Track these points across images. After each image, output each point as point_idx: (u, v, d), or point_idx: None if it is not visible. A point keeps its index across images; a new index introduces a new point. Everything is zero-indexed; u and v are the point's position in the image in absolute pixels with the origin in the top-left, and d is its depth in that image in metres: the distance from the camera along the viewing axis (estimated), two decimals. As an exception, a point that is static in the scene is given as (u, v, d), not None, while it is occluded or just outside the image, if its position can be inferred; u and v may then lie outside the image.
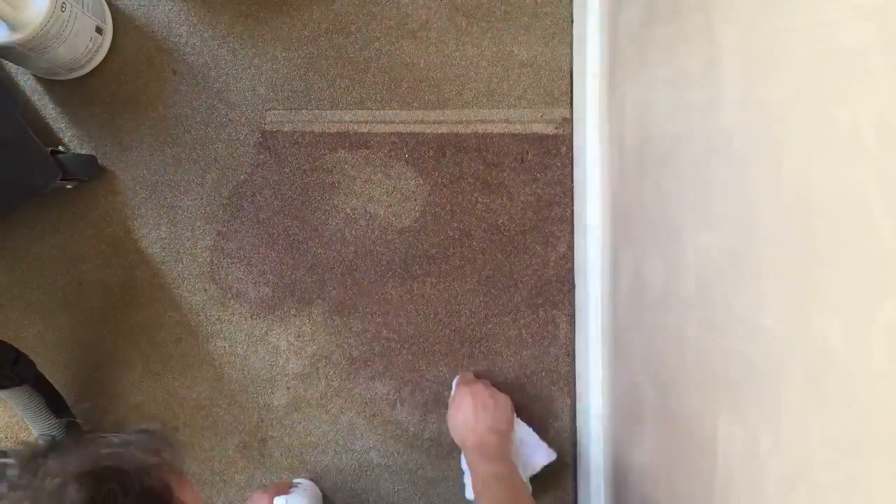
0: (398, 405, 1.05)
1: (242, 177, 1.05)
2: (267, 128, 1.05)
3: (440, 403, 1.04)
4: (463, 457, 0.95)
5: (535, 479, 0.96)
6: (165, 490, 0.46)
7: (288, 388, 1.04)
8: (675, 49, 0.67)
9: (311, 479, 1.03)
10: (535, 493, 0.96)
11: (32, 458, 0.44)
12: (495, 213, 1.04)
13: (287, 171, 1.04)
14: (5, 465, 0.43)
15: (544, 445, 0.97)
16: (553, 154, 1.05)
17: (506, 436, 0.91)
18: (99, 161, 1.03)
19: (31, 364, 0.92)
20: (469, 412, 0.90)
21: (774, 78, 0.47)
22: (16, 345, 0.92)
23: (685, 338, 0.65)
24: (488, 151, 1.04)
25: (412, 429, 1.05)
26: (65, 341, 1.05)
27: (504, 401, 0.94)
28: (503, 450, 0.88)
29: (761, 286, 0.49)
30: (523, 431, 0.97)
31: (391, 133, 1.04)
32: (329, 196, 1.04)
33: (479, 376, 1.01)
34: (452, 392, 0.99)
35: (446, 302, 1.04)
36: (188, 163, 1.04)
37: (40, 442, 0.46)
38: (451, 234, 1.04)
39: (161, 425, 0.48)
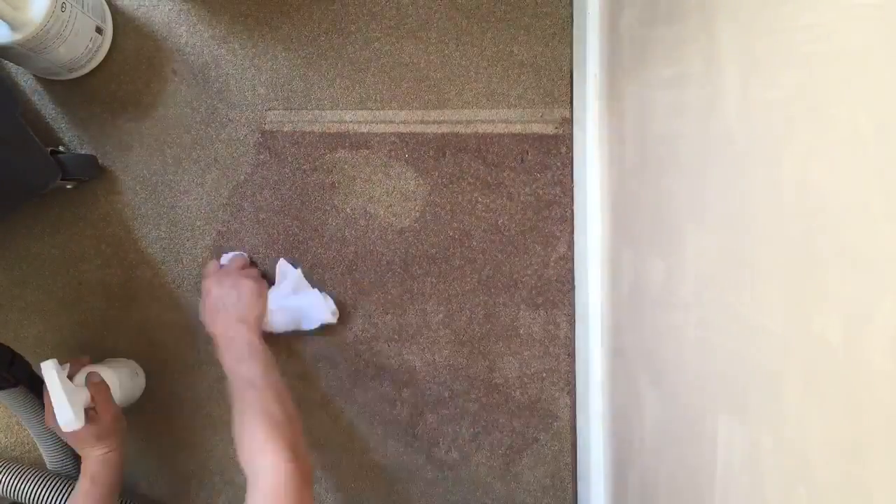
0: (398, 405, 1.05)
1: (242, 177, 1.05)
2: (267, 128, 1.05)
3: (440, 404, 1.04)
4: None
5: (534, 478, 0.96)
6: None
7: (288, 387, 1.04)
8: (675, 49, 0.67)
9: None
10: (534, 491, 0.96)
11: None
12: (495, 213, 1.04)
13: (287, 171, 1.04)
14: None
15: (330, 304, 1.00)
16: (553, 154, 1.05)
17: (255, 325, 0.91)
18: (99, 161, 1.03)
19: (27, 365, 0.93)
20: (213, 307, 0.90)
21: (774, 78, 0.47)
22: (16, 345, 0.92)
23: (685, 338, 0.65)
24: (488, 151, 1.04)
25: (412, 429, 1.05)
26: (65, 341, 1.05)
27: (249, 285, 0.93)
28: (254, 344, 0.88)
29: (761, 286, 0.49)
30: (303, 289, 1.00)
31: (391, 133, 1.05)
32: (329, 196, 1.04)
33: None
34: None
35: (446, 302, 1.04)
36: (188, 163, 1.04)
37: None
38: (451, 234, 1.04)
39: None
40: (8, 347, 0.89)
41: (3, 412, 1.05)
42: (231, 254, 1.02)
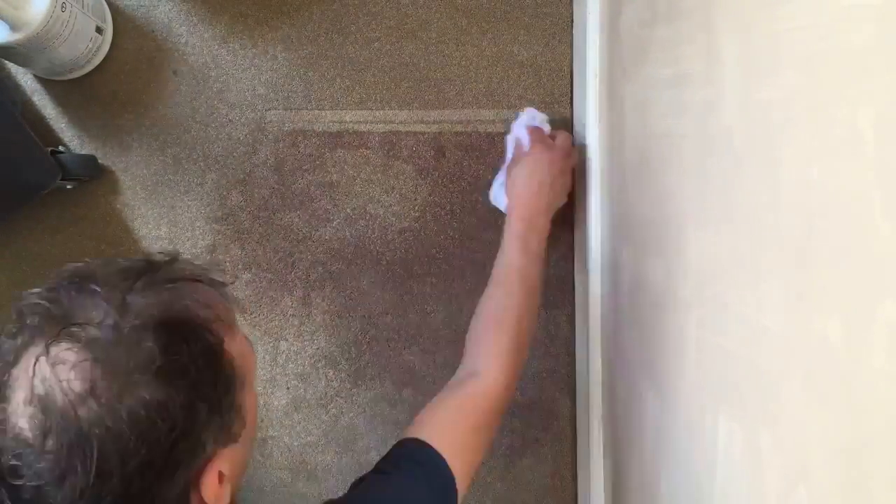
0: (398, 405, 1.05)
1: (242, 177, 1.04)
2: (267, 128, 1.05)
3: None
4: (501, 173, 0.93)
5: (534, 478, 0.96)
6: (219, 344, 0.48)
7: (288, 388, 1.04)
8: (675, 49, 0.67)
9: None
10: (534, 491, 0.96)
11: (120, 285, 0.46)
12: (496, 212, 1.04)
13: (287, 170, 1.04)
14: (95, 293, 0.45)
15: None
16: (553, 154, 1.04)
17: (551, 220, 0.89)
18: (99, 161, 1.03)
19: None
20: (534, 181, 0.87)
21: (774, 78, 0.47)
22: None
23: (685, 338, 0.65)
24: (488, 151, 1.04)
25: (412, 429, 1.05)
26: (65, 341, 1.05)
27: (568, 181, 0.92)
28: (543, 240, 0.86)
29: (761, 286, 0.49)
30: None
31: (391, 133, 1.04)
32: (329, 196, 1.04)
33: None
34: (520, 138, 0.93)
35: (446, 302, 1.04)
36: (188, 163, 1.04)
37: (122, 263, 0.48)
38: (451, 234, 1.04)
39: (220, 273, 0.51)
40: None
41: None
42: (540, 116, 0.95)
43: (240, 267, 1.05)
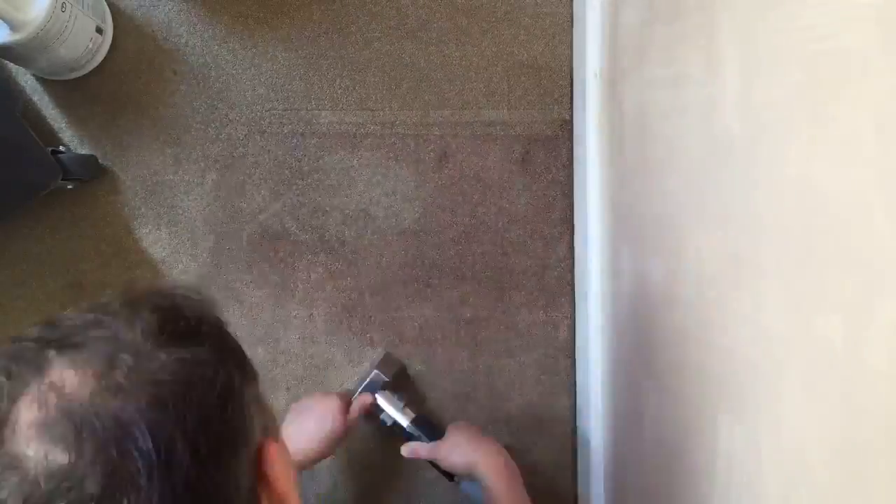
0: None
1: (242, 177, 1.04)
2: (267, 128, 1.05)
3: (441, 405, 1.04)
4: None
5: (535, 479, 0.96)
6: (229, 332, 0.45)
7: (288, 388, 1.04)
8: (675, 49, 0.67)
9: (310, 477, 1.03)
10: (535, 492, 0.95)
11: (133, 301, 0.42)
12: (495, 214, 1.04)
13: (287, 171, 1.04)
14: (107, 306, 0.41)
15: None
16: (553, 154, 1.05)
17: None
18: (99, 161, 1.03)
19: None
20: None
21: (774, 78, 0.47)
22: (16, 345, 0.92)
23: (685, 338, 0.65)
24: (488, 152, 1.04)
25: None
26: (65, 341, 1.05)
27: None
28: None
29: (761, 286, 0.49)
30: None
31: (391, 133, 1.04)
32: (329, 197, 1.04)
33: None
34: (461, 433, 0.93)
35: (447, 303, 1.04)
36: (188, 163, 1.04)
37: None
38: (451, 235, 1.04)
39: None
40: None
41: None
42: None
43: (241, 268, 1.05)
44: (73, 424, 0.34)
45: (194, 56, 1.05)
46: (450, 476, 0.92)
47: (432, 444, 0.90)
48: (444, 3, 1.05)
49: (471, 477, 0.87)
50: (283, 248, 1.04)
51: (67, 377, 0.36)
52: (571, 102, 1.04)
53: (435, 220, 1.04)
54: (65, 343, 0.38)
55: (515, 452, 1.04)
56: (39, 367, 0.37)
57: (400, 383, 1.02)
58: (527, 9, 1.04)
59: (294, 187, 1.04)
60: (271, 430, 0.45)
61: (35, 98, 1.04)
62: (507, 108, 1.04)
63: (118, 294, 0.43)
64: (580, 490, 1.03)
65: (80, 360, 0.37)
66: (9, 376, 0.37)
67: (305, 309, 1.04)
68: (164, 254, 1.04)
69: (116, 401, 0.36)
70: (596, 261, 0.96)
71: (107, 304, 0.41)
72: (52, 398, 0.35)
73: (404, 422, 0.94)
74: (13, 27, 0.86)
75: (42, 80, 1.04)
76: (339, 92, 1.05)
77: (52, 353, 0.37)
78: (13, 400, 0.36)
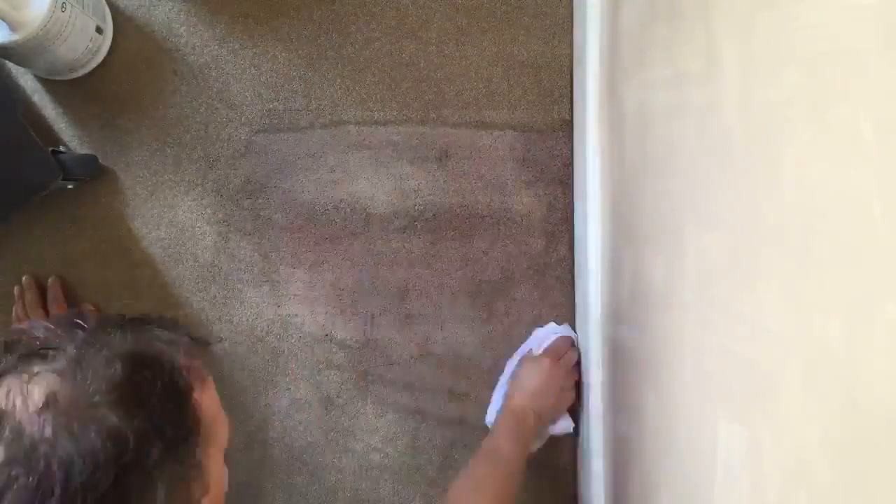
0: (399, 406, 1.05)
1: (242, 177, 1.05)
2: (267, 128, 1.05)
3: (441, 406, 1.04)
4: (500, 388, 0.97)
5: (535, 479, 0.96)
6: (187, 388, 0.49)
7: (289, 388, 1.04)
8: (675, 49, 0.67)
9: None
10: (536, 493, 0.96)
11: (103, 327, 0.48)
12: (495, 213, 1.04)
13: (287, 171, 1.04)
14: (79, 327, 0.48)
15: (565, 415, 0.97)
16: (553, 154, 1.05)
17: (543, 423, 0.92)
18: (99, 161, 1.03)
19: None
20: (539, 383, 0.91)
21: (774, 78, 0.47)
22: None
23: (685, 338, 0.65)
24: (489, 152, 1.04)
25: (412, 430, 1.05)
26: (65, 341, 1.05)
27: (568, 398, 0.95)
28: (530, 435, 0.89)
29: (761, 286, 0.49)
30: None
31: (392, 133, 1.05)
32: (330, 196, 1.04)
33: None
34: (542, 340, 0.97)
35: (447, 303, 1.04)
36: (188, 163, 1.04)
37: (113, 315, 0.51)
38: (451, 234, 1.04)
39: (204, 334, 0.55)
40: None
41: None
42: (564, 333, 0.99)
43: (241, 268, 1.05)
44: (3, 428, 0.42)
45: (194, 56, 1.05)
46: None
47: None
48: (444, 3, 1.05)
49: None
50: (285, 247, 1.04)
51: (25, 382, 0.44)
52: (571, 102, 1.04)
53: (435, 220, 1.04)
54: (46, 349, 0.46)
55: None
56: (19, 361, 0.45)
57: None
58: (527, 9, 1.04)
59: (294, 187, 1.04)
60: (215, 445, 0.51)
61: (35, 98, 1.04)
62: (507, 108, 1.04)
63: (121, 321, 0.50)
64: (580, 490, 1.03)
65: (43, 369, 0.44)
66: None
67: (306, 308, 1.04)
68: (164, 254, 1.04)
69: (41, 425, 0.42)
70: (596, 260, 0.96)
71: (101, 337, 0.47)
72: (6, 398, 0.43)
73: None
74: (13, 27, 0.86)
75: (42, 80, 1.04)
76: (339, 92, 1.05)
77: (11, 359, 0.45)
78: None
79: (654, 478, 0.75)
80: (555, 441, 1.02)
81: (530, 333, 1.03)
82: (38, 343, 0.46)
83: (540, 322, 1.03)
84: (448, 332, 1.04)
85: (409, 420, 1.04)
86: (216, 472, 0.52)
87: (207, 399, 0.51)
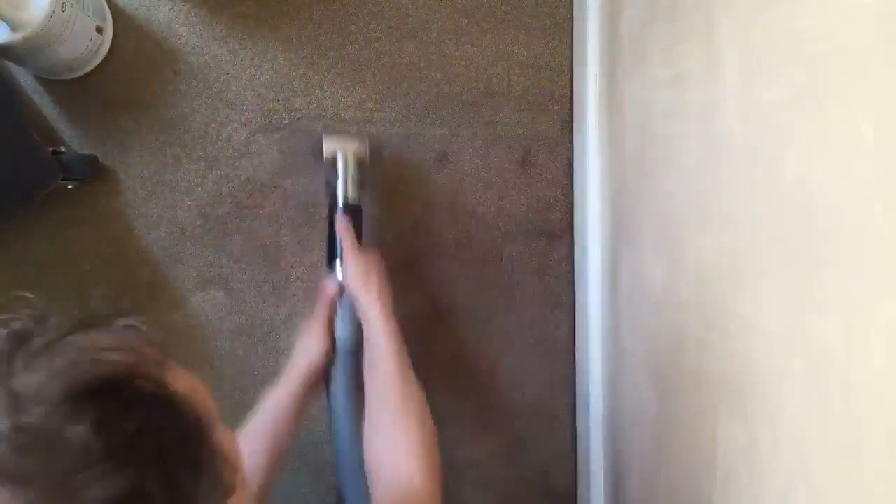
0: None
1: (243, 177, 1.04)
2: (267, 128, 1.05)
3: (441, 407, 1.04)
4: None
5: (535, 479, 0.96)
6: (163, 388, 0.37)
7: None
8: (675, 49, 0.67)
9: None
10: (535, 491, 0.96)
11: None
12: (496, 213, 1.04)
13: (287, 171, 1.04)
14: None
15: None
16: (553, 154, 1.05)
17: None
18: (99, 161, 1.03)
19: None
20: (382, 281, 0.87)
21: (774, 78, 0.47)
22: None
23: (685, 338, 0.65)
24: (488, 152, 1.04)
25: (412, 429, 1.05)
26: (65, 341, 1.05)
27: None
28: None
29: (761, 286, 0.49)
30: None
31: (392, 133, 1.04)
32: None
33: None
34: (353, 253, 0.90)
35: (447, 303, 1.04)
36: (188, 163, 1.04)
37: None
38: (451, 235, 1.04)
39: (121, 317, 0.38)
40: None
41: None
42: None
43: (241, 268, 1.05)
44: None
45: (194, 56, 1.05)
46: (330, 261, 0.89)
47: (352, 245, 0.88)
48: (444, 3, 1.05)
49: (350, 298, 0.86)
50: (285, 247, 1.04)
51: None
52: (571, 102, 1.04)
53: (435, 220, 1.04)
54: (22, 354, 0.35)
55: (514, 451, 1.04)
56: None
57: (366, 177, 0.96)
58: (527, 9, 1.04)
59: (295, 187, 1.04)
60: (214, 417, 0.40)
61: (35, 98, 1.04)
62: (507, 108, 1.04)
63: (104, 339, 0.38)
64: (580, 490, 1.03)
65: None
66: None
67: (306, 307, 1.04)
68: (164, 254, 1.04)
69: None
70: (596, 261, 0.96)
71: (16, 394, 0.34)
72: None
73: (343, 195, 0.90)
74: (13, 27, 0.86)
75: (42, 80, 1.04)
76: (339, 92, 1.05)
77: None
78: None
79: (654, 478, 0.75)
80: (555, 440, 1.02)
81: (528, 336, 1.03)
82: None
83: (540, 322, 1.04)
84: (444, 335, 1.04)
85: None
86: (228, 440, 0.41)
87: (182, 381, 0.40)
